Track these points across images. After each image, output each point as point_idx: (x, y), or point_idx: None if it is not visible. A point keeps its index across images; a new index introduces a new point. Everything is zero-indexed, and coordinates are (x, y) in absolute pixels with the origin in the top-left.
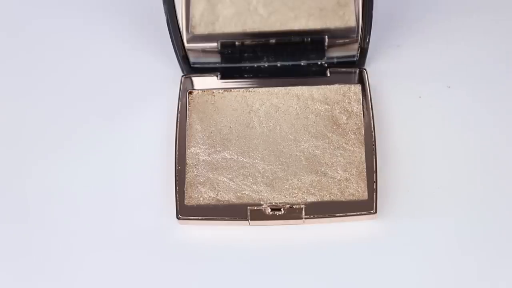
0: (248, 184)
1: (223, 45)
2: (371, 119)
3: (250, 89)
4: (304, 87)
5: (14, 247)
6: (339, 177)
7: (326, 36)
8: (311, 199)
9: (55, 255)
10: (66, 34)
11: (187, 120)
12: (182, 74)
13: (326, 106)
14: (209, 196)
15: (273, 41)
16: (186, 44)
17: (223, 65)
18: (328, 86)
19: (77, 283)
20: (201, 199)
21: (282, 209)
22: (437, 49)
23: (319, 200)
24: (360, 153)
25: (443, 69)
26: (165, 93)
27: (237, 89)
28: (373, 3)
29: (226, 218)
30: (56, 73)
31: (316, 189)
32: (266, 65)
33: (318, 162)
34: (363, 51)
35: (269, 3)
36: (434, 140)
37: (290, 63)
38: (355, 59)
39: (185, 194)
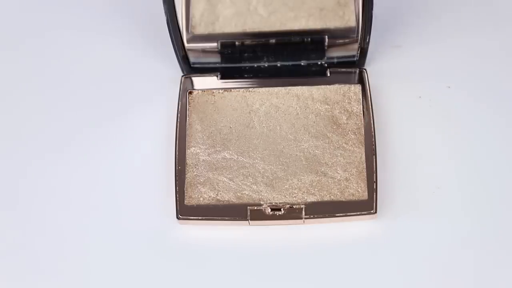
0: (248, 184)
1: (223, 45)
2: (371, 119)
3: (250, 89)
4: (304, 87)
5: (13, 247)
6: (339, 177)
7: (326, 36)
8: (311, 199)
9: (55, 255)
10: (65, 34)
11: (187, 120)
12: (182, 74)
13: (326, 106)
14: (209, 196)
15: (273, 41)
16: (186, 44)
17: (223, 65)
18: (328, 86)
19: (77, 283)
20: (201, 199)
21: (282, 209)
22: (437, 49)
23: (319, 200)
24: (360, 153)
25: (443, 69)
26: (165, 93)
27: (237, 89)
28: (373, 3)
29: (226, 218)
30: (55, 73)
31: (316, 189)
32: (266, 65)
33: (318, 162)
34: (363, 51)
35: (269, 3)
36: (434, 140)
37: (290, 63)
38: (355, 59)
39: (185, 194)
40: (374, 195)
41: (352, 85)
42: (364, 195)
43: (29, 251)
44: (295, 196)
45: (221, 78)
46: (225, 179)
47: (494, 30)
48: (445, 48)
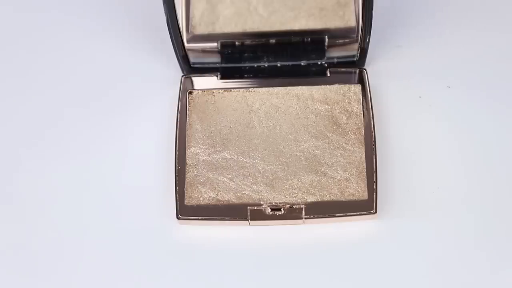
0: (248, 184)
1: (223, 45)
2: (371, 119)
3: (250, 89)
4: (304, 87)
5: (12, 246)
6: (339, 177)
7: (326, 36)
8: (311, 199)
9: (54, 255)
10: (65, 34)
11: (187, 120)
12: (182, 74)
13: (326, 106)
14: (209, 196)
15: (273, 41)
16: (186, 44)
17: (223, 65)
18: (328, 86)
19: (76, 283)
20: (201, 199)
21: (282, 209)
22: (437, 49)
23: (319, 200)
24: (360, 153)
25: (443, 69)
26: (165, 93)
27: (237, 89)
28: (373, 3)
29: (226, 218)
30: (55, 73)
31: (316, 189)
32: (266, 65)
33: (318, 162)
34: (363, 51)
35: (269, 3)
36: (434, 140)
37: (290, 63)
38: (355, 59)
39: (185, 194)
40: (374, 195)
41: (352, 85)
42: (364, 195)
43: (28, 251)
44: (295, 196)
45: (221, 78)
46: (225, 179)
47: (494, 30)
48: (445, 48)
